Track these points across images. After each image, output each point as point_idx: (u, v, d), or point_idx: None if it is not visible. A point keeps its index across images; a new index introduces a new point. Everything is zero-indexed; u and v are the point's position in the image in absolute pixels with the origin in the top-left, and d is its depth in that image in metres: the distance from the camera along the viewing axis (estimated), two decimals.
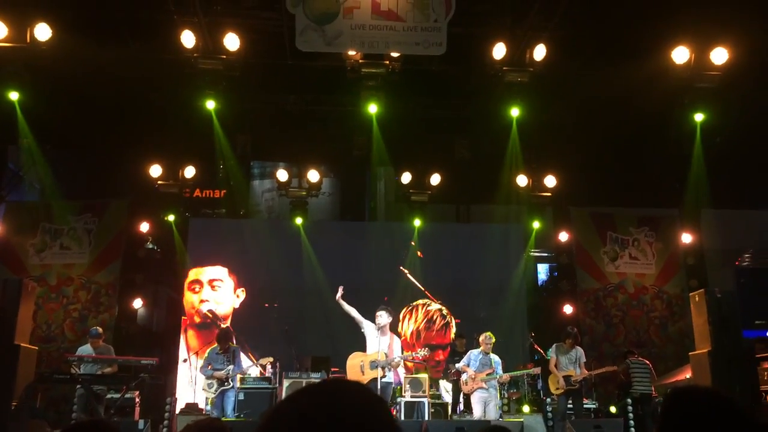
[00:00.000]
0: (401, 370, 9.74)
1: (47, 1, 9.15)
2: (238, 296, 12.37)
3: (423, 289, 12.46)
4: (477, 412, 9.01)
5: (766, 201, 13.57)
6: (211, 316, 12.07)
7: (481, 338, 9.42)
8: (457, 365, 9.68)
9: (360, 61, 9.68)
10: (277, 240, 12.72)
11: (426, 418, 8.83)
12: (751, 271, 14.47)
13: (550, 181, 12.41)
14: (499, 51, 9.58)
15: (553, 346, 9.57)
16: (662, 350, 12.21)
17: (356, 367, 8.98)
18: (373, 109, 10.68)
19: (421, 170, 12.50)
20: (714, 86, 9.78)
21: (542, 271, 15.11)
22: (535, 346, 11.54)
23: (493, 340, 9.32)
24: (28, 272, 11.64)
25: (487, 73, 10.09)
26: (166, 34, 9.47)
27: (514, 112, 10.60)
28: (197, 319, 12.05)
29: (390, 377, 8.93)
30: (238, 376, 9.21)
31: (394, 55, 9.57)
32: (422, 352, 9.24)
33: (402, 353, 9.30)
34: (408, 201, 12.63)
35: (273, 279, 12.43)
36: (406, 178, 12.53)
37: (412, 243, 12.64)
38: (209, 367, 9.17)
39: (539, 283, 14.78)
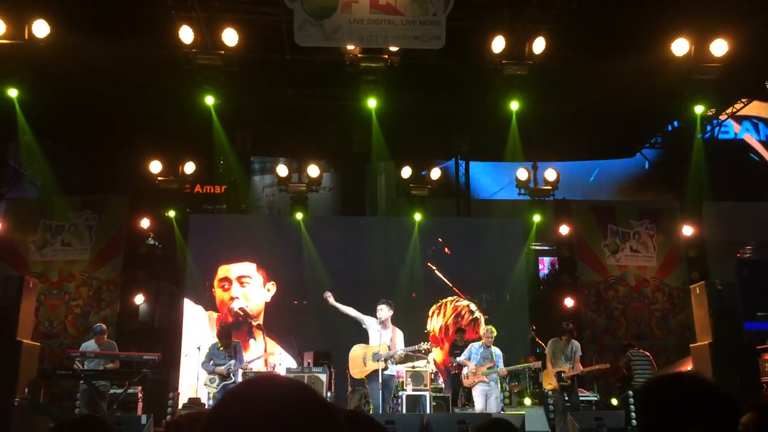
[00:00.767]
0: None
1: None
2: (268, 290, 12.29)
3: (451, 285, 12.45)
4: (478, 405, 9.00)
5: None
6: (242, 314, 12.06)
7: (483, 331, 9.42)
8: (458, 359, 9.68)
9: (359, 55, 9.66)
10: (277, 235, 12.70)
11: (427, 411, 8.83)
12: (753, 263, 14.46)
13: (550, 174, 12.42)
14: (498, 44, 9.54)
15: (550, 342, 9.57)
16: (663, 342, 12.21)
17: (359, 359, 8.96)
18: (372, 103, 10.68)
19: (420, 164, 12.49)
20: (714, 78, 9.76)
21: (543, 264, 15.12)
22: (537, 340, 11.57)
23: (495, 333, 9.32)
24: (29, 269, 11.64)
25: (486, 67, 10.04)
26: (164, 29, 9.45)
27: (514, 105, 10.58)
28: (230, 318, 11.92)
29: (392, 370, 8.93)
30: (240, 371, 9.24)
31: (393, 49, 9.55)
32: (425, 346, 9.24)
33: (404, 347, 9.30)
34: (408, 195, 12.64)
35: (299, 274, 12.27)
36: (406, 172, 12.53)
37: (440, 239, 12.62)
38: (211, 363, 9.20)
39: (540, 276, 14.78)
